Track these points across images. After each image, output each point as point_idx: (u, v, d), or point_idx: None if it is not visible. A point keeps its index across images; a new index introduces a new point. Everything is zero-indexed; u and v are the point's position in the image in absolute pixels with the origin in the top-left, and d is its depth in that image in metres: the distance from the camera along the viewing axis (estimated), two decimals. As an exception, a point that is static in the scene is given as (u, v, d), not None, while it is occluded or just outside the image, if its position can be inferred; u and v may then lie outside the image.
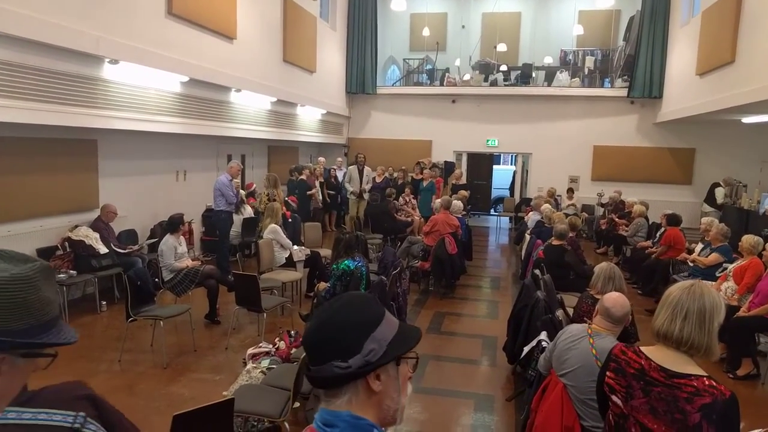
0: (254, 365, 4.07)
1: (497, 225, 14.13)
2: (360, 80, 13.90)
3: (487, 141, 14.02)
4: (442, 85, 14.22)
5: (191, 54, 6.96)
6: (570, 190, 12.51)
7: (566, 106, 13.38)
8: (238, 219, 8.12)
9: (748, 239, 5.53)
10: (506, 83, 13.74)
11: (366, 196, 11.33)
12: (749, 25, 7.79)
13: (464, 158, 14.65)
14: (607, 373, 1.94)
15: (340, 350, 0.99)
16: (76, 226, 6.34)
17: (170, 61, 6.49)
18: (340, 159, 13.17)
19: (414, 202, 10.79)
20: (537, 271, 5.28)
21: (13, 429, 1.00)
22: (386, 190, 10.46)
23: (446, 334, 5.96)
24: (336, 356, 0.99)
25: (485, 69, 14.05)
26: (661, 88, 12.24)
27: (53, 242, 6.15)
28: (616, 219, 10.30)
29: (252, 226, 8.37)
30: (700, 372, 1.76)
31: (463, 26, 15.04)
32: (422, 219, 9.91)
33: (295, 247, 6.89)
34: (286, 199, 9.39)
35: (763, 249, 5.34)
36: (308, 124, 11.98)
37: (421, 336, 1.11)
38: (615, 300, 2.73)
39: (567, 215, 7.97)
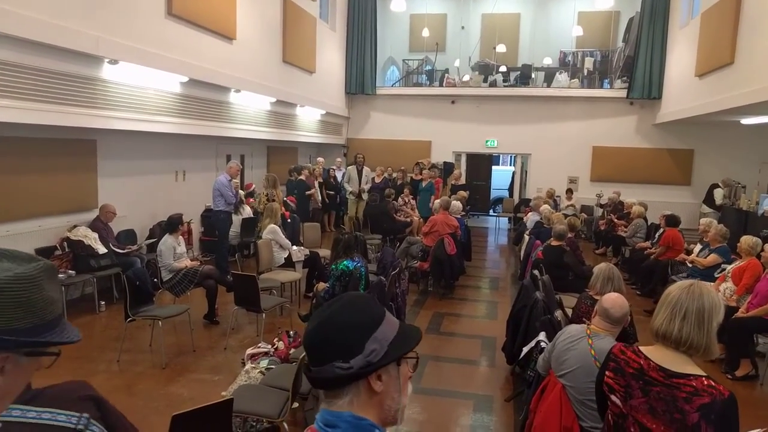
0: (253, 365, 4.06)
1: (496, 225, 14.14)
2: (359, 81, 13.91)
3: (487, 142, 14.03)
4: (441, 85, 14.23)
5: (191, 54, 6.96)
6: (569, 191, 12.53)
7: (565, 106, 13.39)
8: (237, 219, 8.12)
9: (746, 240, 5.54)
10: (505, 84, 13.74)
11: (365, 196, 11.33)
12: (748, 27, 7.81)
13: (463, 159, 14.66)
14: (607, 372, 1.94)
15: (342, 351, 0.99)
16: (75, 226, 6.34)
17: (170, 61, 6.49)
18: (339, 159, 13.17)
19: (413, 202, 10.80)
20: (536, 272, 5.28)
21: (18, 427, 1.00)
22: (385, 190, 10.46)
23: (445, 334, 5.97)
24: (337, 357, 0.99)
25: (484, 70, 14.06)
26: (661, 89, 12.26)
27: (52, 242, 6.15)
28: (615, 220, 10.31)
29: (251, 226, 8.37)
30: (699, 372, 1.76)
31: (463, 27, 15.04)
32: (421, 219, 9.92)
33: (294, 247, 6.89)
34: (285, 199, 9.38)
35: (762, 250, 5.35)
36: (307, 124, 11.97)
37: (421, 336, 1.11)
38: (614, 301, 2.73)
39: (566, 216, 7.97)
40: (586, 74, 13.74)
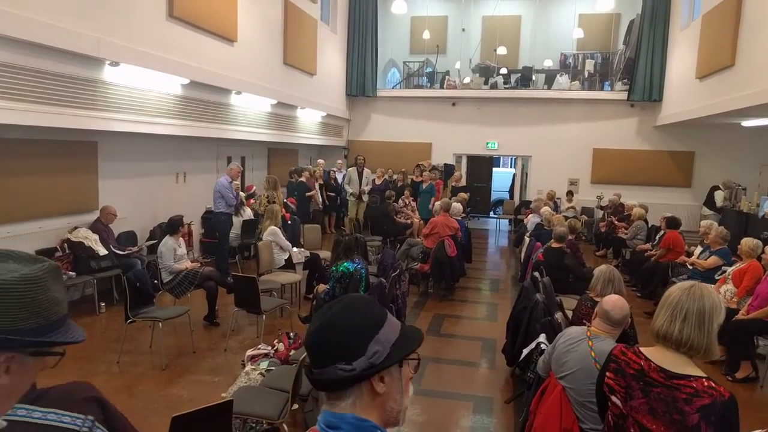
0: (253, 367, 4.06)
1: (497, 227, 14.13)
2: (360, 83, 13.92)
3: (487, 144, 14.03)
4: (442, 87, 14.24)
5: (192, 56, 6.97)
6: (569, 193, 12.54)
7: (566, 109, 13.40)
8: (237, 221, 8.12)
9: (747, 242, 5.54)
10: (506, 86, 13.75)
11: (365, 198, 11.32)
12: (749, 29, 7.82)
13: (464, 161, 14.67)
14: (607, 373, 1.95)
15: (344, 353, 0.99)
16: (76, 228, 6.34)
17: (171, 63, 6.50)
18: (339, 161, 13.17)
19: (413, 204, 10.80)
20: (536, 274, 5.29)
21: (23, 427, 1.01)
22: (386, 192, 10.46)
23: (445, 336, 5.96)
24: (340, 359, 0.99)
25: (485, 72, 14.07)
26: (661, 92, 12.27)
27: (52, 244, 6.15)
28: (616, 222, 10.31)
29: (251, 228, 8.37)
30: (700, 373, 1.76)
31: (464, 29, 15.06)
32: (422, 221, 9.92)
33: (295, 249, 6.90)
34: (286, 201, 9.39)
35: (762, 252, 5.35)
36: (308, 126, 11.98)
37: (423, 337, 1.11)
38: (614, 303, 2.73)
39: (566, 218, 7.97)
40: (586, 76, 13.75)
